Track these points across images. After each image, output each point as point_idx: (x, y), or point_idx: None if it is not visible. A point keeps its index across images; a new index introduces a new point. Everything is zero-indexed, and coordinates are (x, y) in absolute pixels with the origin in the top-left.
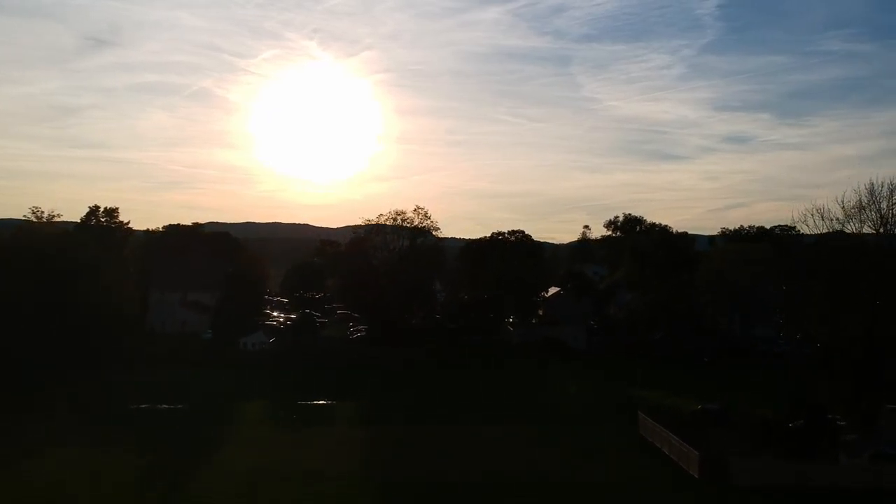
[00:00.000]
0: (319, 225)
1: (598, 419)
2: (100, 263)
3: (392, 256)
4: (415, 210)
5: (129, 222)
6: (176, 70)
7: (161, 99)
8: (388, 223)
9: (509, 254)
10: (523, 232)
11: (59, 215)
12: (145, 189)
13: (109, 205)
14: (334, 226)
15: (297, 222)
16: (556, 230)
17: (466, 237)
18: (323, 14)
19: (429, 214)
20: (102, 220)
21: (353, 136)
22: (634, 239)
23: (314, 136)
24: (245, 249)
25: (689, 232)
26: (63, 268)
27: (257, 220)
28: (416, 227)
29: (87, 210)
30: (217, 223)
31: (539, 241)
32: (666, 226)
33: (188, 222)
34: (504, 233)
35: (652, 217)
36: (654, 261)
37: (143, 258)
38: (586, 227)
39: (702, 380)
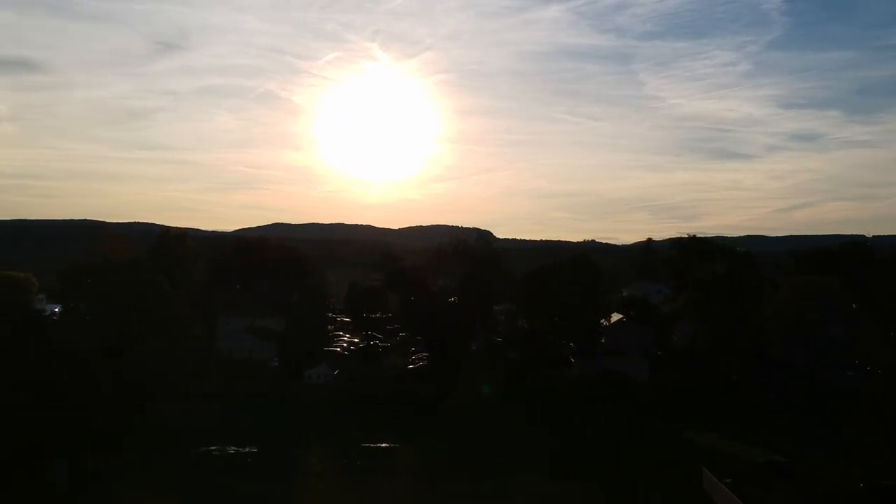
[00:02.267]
0: (381, 226)
1: (660, 469)
2: (169, 300)
3: (453, 284)
4: (477, 239)
5: (196, 249)
6: (241, 73)
7: (227, 101)
8: (449, 250)
9: (571, 283)
10: (587, 257)
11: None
12: (211, 190)
13: (176, 206)
14: (396, 226)
15: (359, 223)
16: (617, 230)
17: (524, 238)
18: (384, 15)
19: (489, 240)
20: (172, 245)
21: (413, 136)
22: (698, 271)
23: (375, 137)
24: (310, 266)
25: (753, 233)
26: (133, 307)
27: (321, 221)
28: (477, 255)
29: (158, 235)
30: (282, 224)
31: (603, 243)
32: (733, 247)
33: (254, 224)
34: (565, 262)
35: (714, 218)
36: (719, 293)
37: (211, 279)
38: (650, 239)
39: (768, 417)
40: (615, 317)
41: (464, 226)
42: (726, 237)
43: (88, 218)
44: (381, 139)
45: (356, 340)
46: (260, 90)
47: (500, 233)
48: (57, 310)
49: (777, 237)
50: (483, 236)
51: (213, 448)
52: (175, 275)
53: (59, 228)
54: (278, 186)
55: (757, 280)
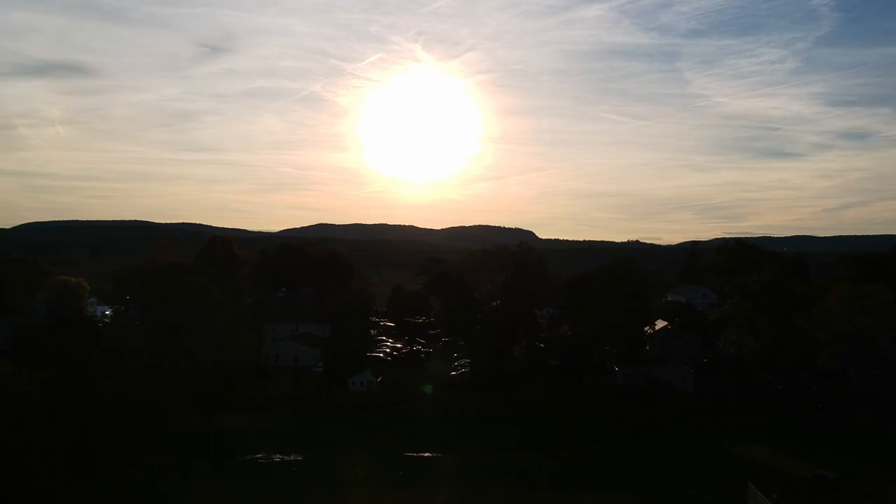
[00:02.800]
0: (424, 226)
1: (706, 483)
2: (217, 307)
3: (495, 290)
4: (519, 245)
5: (242, 254)
6: (286, 75)
7: (272, 103)
8: (492, 257)
9: (615, 289)
10: (631, 262)
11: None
12: (257, 191)
13: (223, 207)
14: (438, 227)
15: (402, 223)
16: (661, 230)
17: (567, 238)
18: (427, 17)
19: (532, 241)
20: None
21: (455, 136)
22: (744, 278)
23: (418, 138)
24: (353, 270)
25: (801, 233)
26: (182, 314)
27: (364, 222)
28: (520, 262)
29: (207, 241)
30: (326, 225)
31: (647, 244)
32: (782, 253)
33: (299, 225)
34: (608, 267)
35: (760, 218)
36: (766, 303)
37: (257, 284)
38: (694, 242)
39: (817, 430)
40: (659, 324)
41: (506, 226)
42: (773, 237)
43: (139, 219)
44: (424, 140)
45: (399, 346)
46: (305, 92)
47: (543, 233)
48: (108, 312)
49: (825, 237)
50: (525, 239)
51: (259, 456)
52: (222, 281)
53: (111, 229)
54: (323, 187)
55: (806, 289)
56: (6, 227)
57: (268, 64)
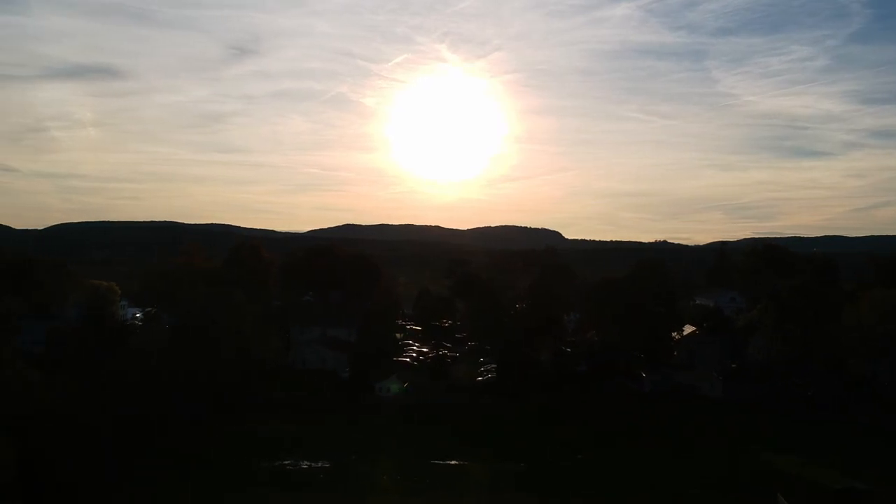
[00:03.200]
0: (450, 227)
1: (735, 493)
2: (244, 313)
3: (521, 293)
4: (546, 248)
5: (270, 259)
6: (313, 76)
7: (299, 105)
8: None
9: (642, 294)
10: (659, 265)
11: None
12: (285, 192)
13: (251, 208)
14: (464, 227)
15: (428, 224)
16: (690, 230)
17: (594, 238)
18: (453, 17)
19: (558, 241)
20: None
21: (482, 136)
22: (773, 283)
23: (444, 138)
24: (380, 272)
25: (831, 233)
26: (209, 319)
27: (391, 222)
28: (546, 264)
29: (234, 246)
30: (353, 225)
31: (675, 244)
32: (812, 255)
33: (326, 226)
34: (636, 271)
35: (790, 218)
36: (795, 309)
37: (284, 287)
38: (723, 242)
39: (851, 440)
40: (687, 329)
41: (532, 226)
42: (803, 237)
43: (169, 219)
44: (451, 140)
45: (425, 350)
46: (331, 93)
47: (570, 233)
48: (139, 315)
49: (856, 237)
50: (551, 239)
51: (286, 462)
52: (250, 284)
53: (141, 229)
54: (349, 187)
55: (836, 294)
56: (39, 227)
57: (295, 65)
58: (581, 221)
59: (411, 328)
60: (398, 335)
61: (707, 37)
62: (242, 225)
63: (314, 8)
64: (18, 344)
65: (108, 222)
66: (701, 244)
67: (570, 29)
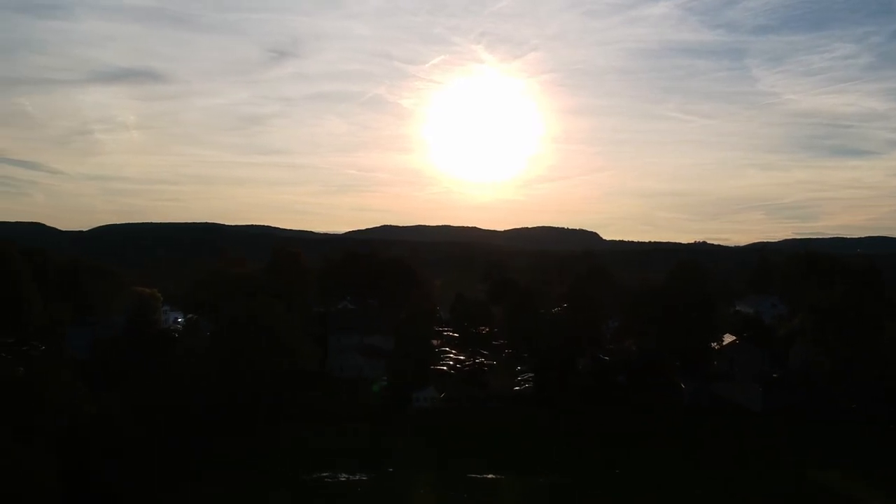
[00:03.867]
0: (487, 227)
1: None
2: (283, 322)
3: (559, 300)
4: (585, 253)
5: (307, 265)
6: (350, 78)
7: (337, 106)
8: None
9: (681, 301)
10: (697, 269)
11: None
12: (323, 193)
13: (290, 209)
14: (501, 228)
15: (465, 225)
16: (729, 231)
17: (632, 239)
18: (490, 17)
19: (596, 251)
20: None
21: (519, 137)
22: (815, 292)
23: (481, 139)
24: (417, 277)
25: (875, 234)
26: (249, 329)
27: (427, 223)
28: (582, 272)
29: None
30: (390, 226)
31: (715, 245)
32: (852, 264)
33: (363, 227)
34: (675, 279)
35: (833, 218)
36: (837, 320)
37: (322, 292)
38: (764, 244)
39: (894, 452)
40: (727, 338)
41: (569, 227)
42: (846, 238)
43: (210, 220)
44: (487, 140)
45: (462, 358)
46: (369, 95)
47: (607, 234)
48: (180, 320)
49: None
50: (589, 240)
51: (325, 475)
52: (288, 291)
53: (183, 231)
54: (387, 189)
55: (880, 304)
56: (84, 229)
57: (333, 68)
58: (619, 222)
59: (448, 334)
60: (435, 342)
61: (747, 35)
62: (281, 226)
63: (352, 10)
64: (66, 351)
65: (151, 224)
66: (741, 245)
67: (607, 28)
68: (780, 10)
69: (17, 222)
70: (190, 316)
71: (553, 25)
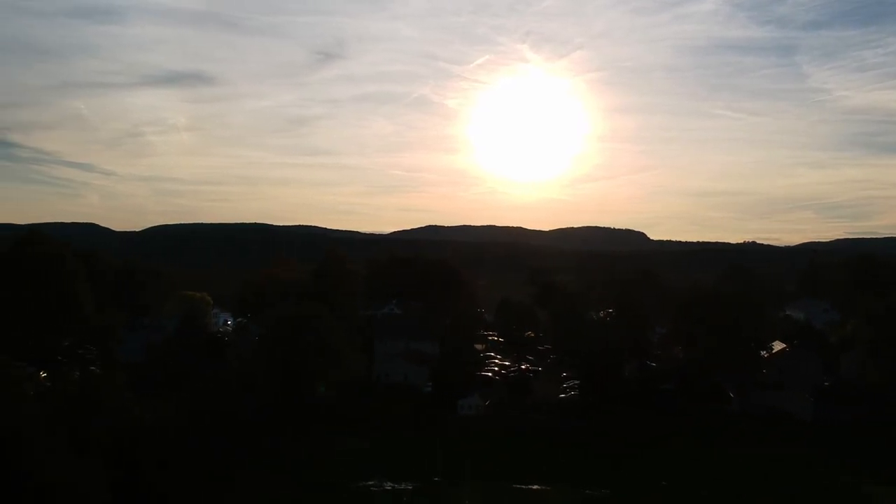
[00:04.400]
0: (532, 227)
1: None
2: (331, 330)
3: (606, 305)
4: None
5: (353, 268)
6: (396, 79)
7: (382, 107)
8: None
9: (731, 312)
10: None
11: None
12: (368, 193)
13: (336, 209)
14: (546, 228)
15: (510, 224)
16: (779, 230)
17: (679, 239)
18: (534, 17)
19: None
20: (334, 267)
21: (564, 136)
22: (867, 302)
23: (526, 138)
24: (461, 279)
25: None
26: (297, 337)
27: (472, 223)
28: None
29: (321, 260)
30: (435, 227)
31: (764, 245)
32: None
33: (408, 227)
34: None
35: (886, 217)
36: (890, 330)
37: (369, 296)
38: (814, 249)
39: None
40: (777, 346)
41: (615, 227)
42: None
43: (258, 221)
44: (532, 140)
45: (507, 363)
46: (414, 95)
47: (654, 234)
48: (229, 322)
49: None
50: (636, 239)
51: (370, 483)
52: (335, 295)
53: (232, 231)
54: (432, 189)
55: None
56: (137, 229)
57: (378, 69)
58: (666, 221)
59: (493, 339)
60: (480, 346)
61: (797, 30)
62: (328, 226)
63: (397, 12)
64: (119, 355)
65: (201, 224)
66: (791, 245)
67: (654, 25)
68: (831, 5)
69: (72, 223)
70: (239, 319)
71: (598, 23)
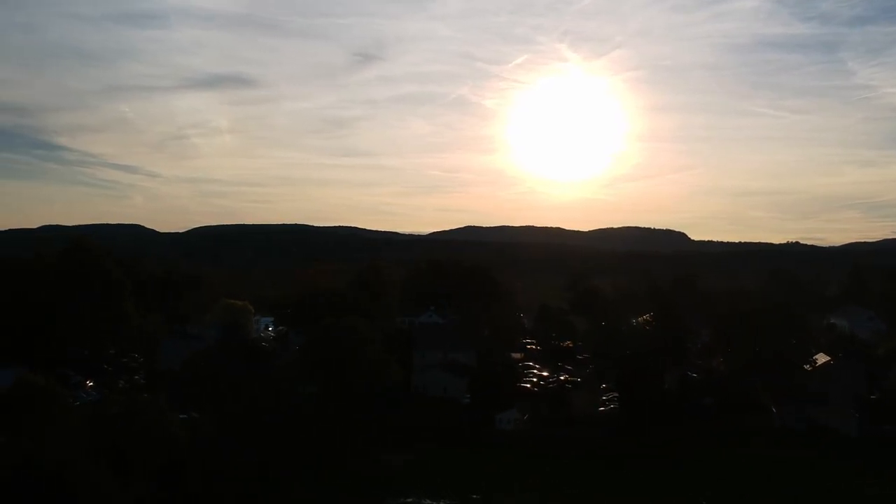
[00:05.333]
0: (571, 227)
1: None
2: (369, 342)
3: (645, 313)
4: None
5: (391, 277)
6: (434, 80)
7: (421, 108)
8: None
9: (770, 328)
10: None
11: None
12: (408, 193)
13: (376, 210)
14: (585, 228)
15: (548, 225)
16: (824, 230)
17: (720, 240)
18: (573, 16)
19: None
20: (372, 280)
21: (603, 136)
22: None
23: (565, 138)
24: (500, 286)
25: None
26: (336, 349)
27: (511, 224)
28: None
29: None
30: (473, 227)
31: (808, 245)
32: None
33: (447, 227)
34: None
35: None
36: None
37: (407, 302)
38: (858, 255)
39: None
40: (821, 358)
41: (656, 227)
42: None
43: (298, 222)
44: (571, 140)
45: (546, 374)
46: (452, 96)
47: (695, 234)
48: (270, 329)
49: None
50: (676, 240)
51: (409, 500)
52: (373, 305)
53: (274, 232)
54: (471, 189)
55: None
56: (180, 230)
57: (416, 70)
58: (707, 221)
59: (532, 348)
60: (518, 356)
61: (841, 26)
62: (367, 227)
63: (435, 12)
64: (161, 364)
65: (243, 225)
66: (836, 245)
67: (693, 23)
68: (876, 0)
69: (117, 224)
70: (280, 328)
71: (637, 22)
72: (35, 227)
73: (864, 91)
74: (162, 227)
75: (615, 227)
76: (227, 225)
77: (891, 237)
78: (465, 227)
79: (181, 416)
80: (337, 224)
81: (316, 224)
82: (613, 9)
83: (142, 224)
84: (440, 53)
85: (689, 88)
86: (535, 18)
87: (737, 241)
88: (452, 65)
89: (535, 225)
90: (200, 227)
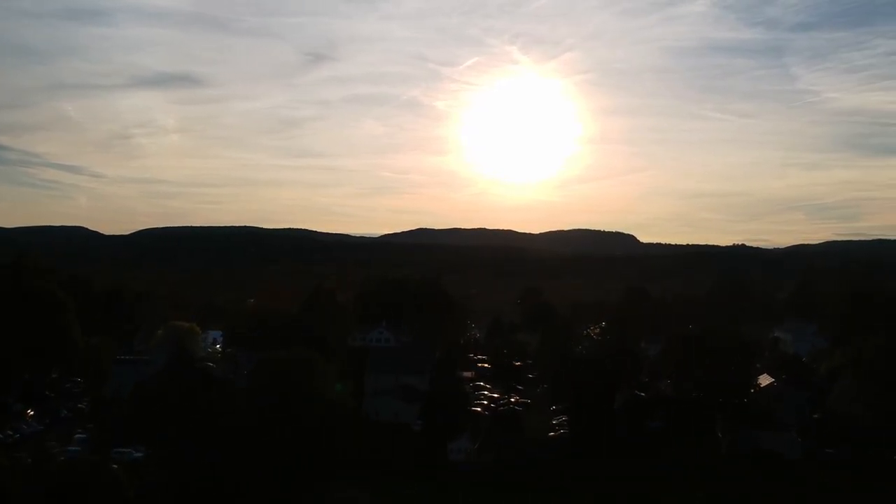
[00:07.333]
0: (522, 230)
1: None
2: (320, 375)
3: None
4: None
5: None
6: (386, 81)
7: (373, 109)
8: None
9: (717, 351)
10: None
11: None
12: (360, 195)
13: (328, 211)
14: (537, 230)
15: (500, 227)
16: (769, 232)
17: (670, 242)
18: (525, 18)
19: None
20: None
21: (555, 138)
22: (860, 347)
23: (516, 140)
24: (453, 304)
25: None
26: (285, 381)
27: (463, 226)
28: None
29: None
30: (425, 230)
31: (753, 247)
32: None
33: (399, 229)
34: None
35: (875, 218)
36: (879, 371)
37: (360, 320)
38: (803, 245)
39: None
40: (764, 380)
41: (606, 229)
42: (889, 239)
43: (250, 224)
44: (523, 142)
45: (496, 395)
46: (404, 97)
47: (644, 236)
48: (218, 346)
49: None
50: (626, 242)
51: None
52: (325, 326)
53: (225, 234)
54: (423, 190)
55: None
56: (126, 232)
57: (369, 70)
58: (657, 223)
59: (483, 366)
60: (469, 374)
61: (786, 32)
62: (320, 229)
63: (387, 13)
64: (109, 389)
65: (192, 227)
66: (781, 247)
67: (644, 27)
68: (820, 7)
69: (60, 226)
70: (228, 350)
71: (589, 25)
72: None
73: (808, 95)
74: (107, 230)
75: (566, 229)
76: (175, 227)
77: (833, 239)
78: (417, 230)
79: (126, 450)
80: (290, 226)
81: (269, 226)
82: (565, 12)
83: (85, 226)
84: (392, 54)
85: (640, 91)
86: (487, 20)
87: (685, 243)
88: (405, 66)
89: (487, 227)
90: (147, 230)
